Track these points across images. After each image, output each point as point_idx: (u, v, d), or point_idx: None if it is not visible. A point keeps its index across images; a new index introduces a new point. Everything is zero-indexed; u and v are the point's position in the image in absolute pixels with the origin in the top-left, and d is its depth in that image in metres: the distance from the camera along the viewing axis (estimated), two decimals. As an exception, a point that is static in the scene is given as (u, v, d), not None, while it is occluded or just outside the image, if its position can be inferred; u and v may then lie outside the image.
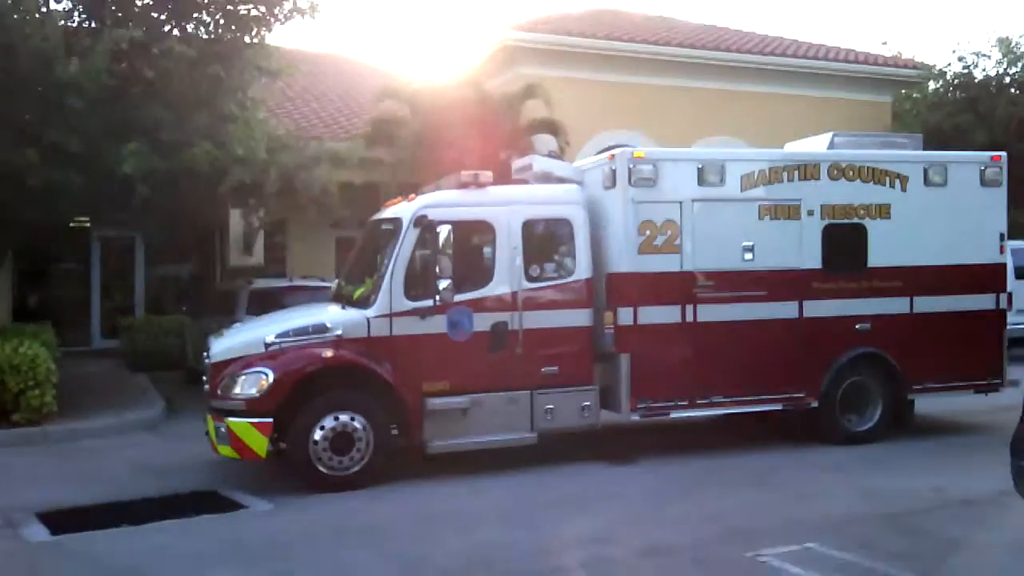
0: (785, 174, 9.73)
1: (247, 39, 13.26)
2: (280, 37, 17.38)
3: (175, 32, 12.95)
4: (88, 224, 16.94)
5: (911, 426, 10.44)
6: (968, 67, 22.60)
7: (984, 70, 22.69)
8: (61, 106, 12.21)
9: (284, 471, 8.58)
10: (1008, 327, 10.59)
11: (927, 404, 10.91)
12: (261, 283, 14.40)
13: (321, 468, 8.21)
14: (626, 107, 18.97)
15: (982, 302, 10.38)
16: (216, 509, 7.82)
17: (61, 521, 7.43)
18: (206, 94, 13.16)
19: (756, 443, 9.87)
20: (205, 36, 13.23)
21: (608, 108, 18.75)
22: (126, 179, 12.02)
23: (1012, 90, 21.72)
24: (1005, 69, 22.49)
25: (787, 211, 9.70)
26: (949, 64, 23.30)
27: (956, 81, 22.74)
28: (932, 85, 23.65)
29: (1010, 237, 14.04)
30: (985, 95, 21.62)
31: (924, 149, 10.93)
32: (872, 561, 6.05)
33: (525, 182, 10.17)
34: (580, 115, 17.10)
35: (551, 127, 16.40)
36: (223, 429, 8.20)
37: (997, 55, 22.48)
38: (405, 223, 8.79)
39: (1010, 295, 10.66)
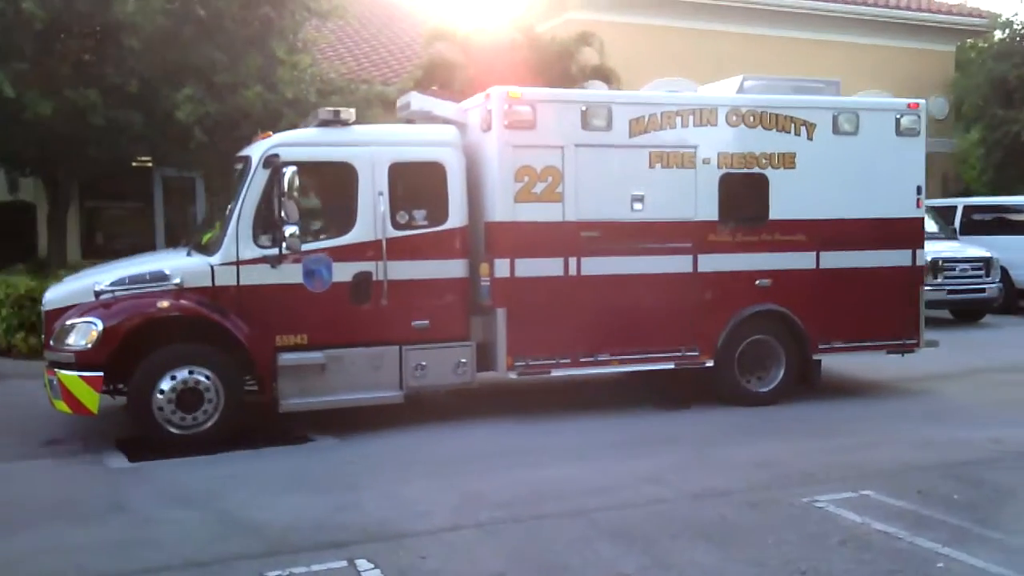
0: (679, 119, 9.06)
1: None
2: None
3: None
4: (150, 164, 17.18)
5: (818, 386, 9.82)
6: (1036, 15, 21.93)
7: (1053, 19, 21.99)
8: (119, 46, 12.39)
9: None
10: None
11: (981, 358, 10.77)
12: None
13: (167, 426, 7.69)
14: (680, 54, 18.77)
15: (897, 258, 9.81)
16: (284, 442, 8.08)
17: (138, 449, 7.72)
18: (257, 35, 13.27)
19: (802, 393, 9.69)
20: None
21: (661, 55, 18.58)
22: (182, 123, 12.23)
23: (1081, 40, 21.04)
24: (1075, 18, 21.81)
25: (680, 159, 9.07)
26: (1016, 13, 22.70)
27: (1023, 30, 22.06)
28: (998, 34, 22.94)
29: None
30: (1053, 45, 20.98)
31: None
32: (928, 509, 6.05)
33: (412, 121, 9.57)
34: (632, 61, 16.99)
35: (604, 74, 16.31)
36: (55, 382, 7.64)
37: (1066, 3, 21.83)
38: (254, 162, 8.10)
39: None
